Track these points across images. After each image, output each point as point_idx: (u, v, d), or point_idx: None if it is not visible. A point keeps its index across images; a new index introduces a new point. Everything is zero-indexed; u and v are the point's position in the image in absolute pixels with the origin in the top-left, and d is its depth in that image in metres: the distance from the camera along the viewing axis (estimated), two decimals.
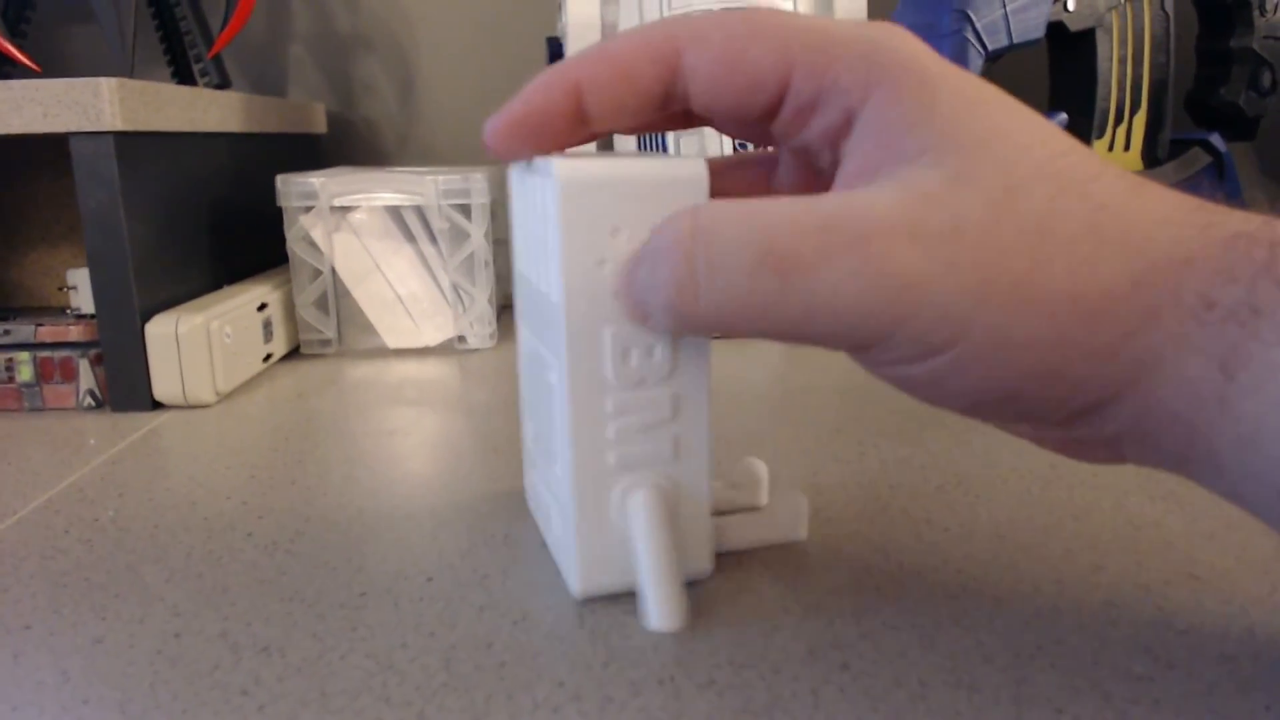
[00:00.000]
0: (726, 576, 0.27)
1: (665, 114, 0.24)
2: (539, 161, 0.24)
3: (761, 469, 0.30)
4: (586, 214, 0.22)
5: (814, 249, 0.19)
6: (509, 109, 0.23)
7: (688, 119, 0.25)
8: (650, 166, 0.23)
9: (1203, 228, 0.19)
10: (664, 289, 0.21)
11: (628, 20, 0.56)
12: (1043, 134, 0.20)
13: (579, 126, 0.23)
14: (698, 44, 0.22)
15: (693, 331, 0.23)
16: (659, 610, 0.24)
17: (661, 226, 0.21)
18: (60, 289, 0.51)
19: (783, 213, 0.20)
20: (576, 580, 0.25)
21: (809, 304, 0.20)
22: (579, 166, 0.22)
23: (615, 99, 0.22)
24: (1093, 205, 0.20)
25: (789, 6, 0.54)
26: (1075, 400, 0.20)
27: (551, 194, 0.22)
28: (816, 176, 0.24)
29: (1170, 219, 0.20)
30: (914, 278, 0.19)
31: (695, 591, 0.26)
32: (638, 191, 0.22)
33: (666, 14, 0.55)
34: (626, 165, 0.23)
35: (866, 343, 0.20)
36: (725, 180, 0.26)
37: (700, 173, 0.23)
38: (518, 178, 0.26)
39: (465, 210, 0.54)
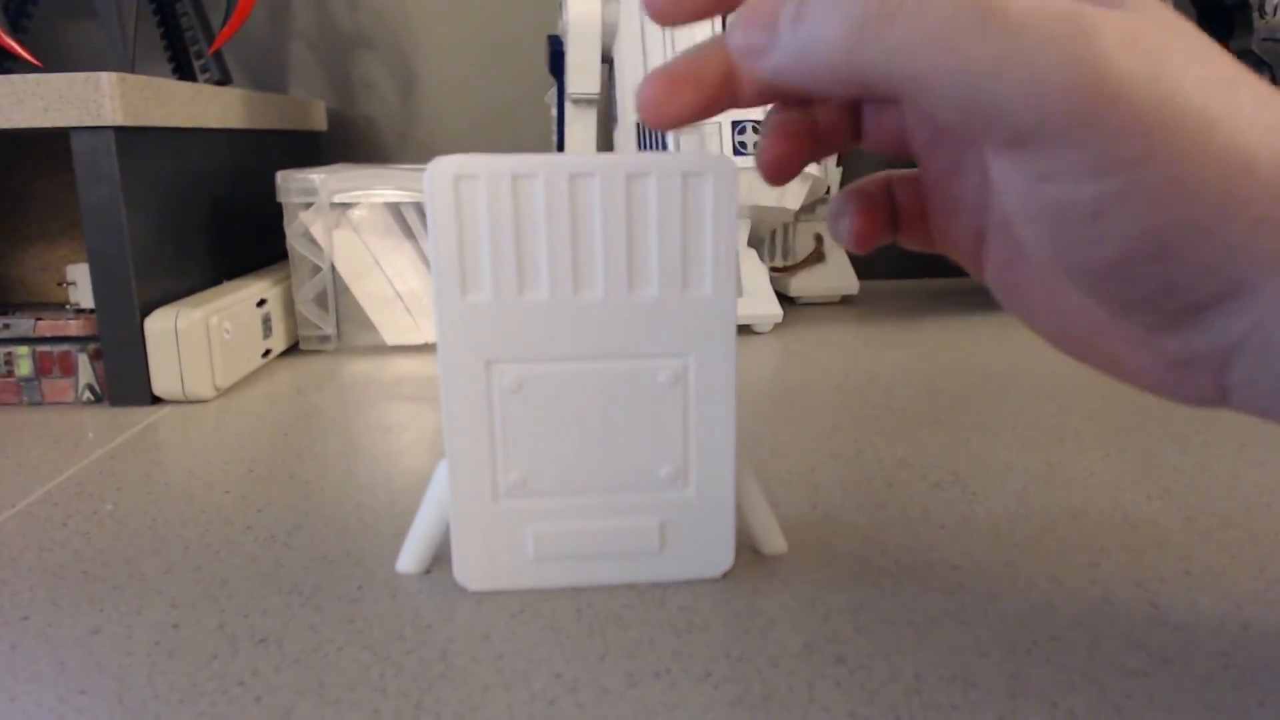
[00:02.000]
0: (722, 572, 0.27)
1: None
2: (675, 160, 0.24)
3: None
4: (449, 204, 0.24)
5: (1028, 5, 0.18)
6: (667, 68, 0.22)
7: None
8: (511, 162, 0.23)
9: None
10: (856, 4, 0.19)
11: (628, 19, 0.57)
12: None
13: (727, 91, 0.22)
14: None
15: (851, 62, 0.20)
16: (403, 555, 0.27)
17: None
18: (60, 284, 0.51)
19: None
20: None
21: (1004, 54, 0.18)
22: (450, 160, 0.23)
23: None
24: (1269, 91, 0.19)
25: None
26: (1222, 274, 0.19)
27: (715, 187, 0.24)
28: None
29: None
30: (1119, 72, 0.18)
31: (692, 587, 0.26)
32: (491, 184, 0.23)
33: None
34: (491, 161, 0.24)
35: (1047, 127, 0.18)
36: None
37: (432, 170, 0.23)
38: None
39: None
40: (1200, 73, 0.18)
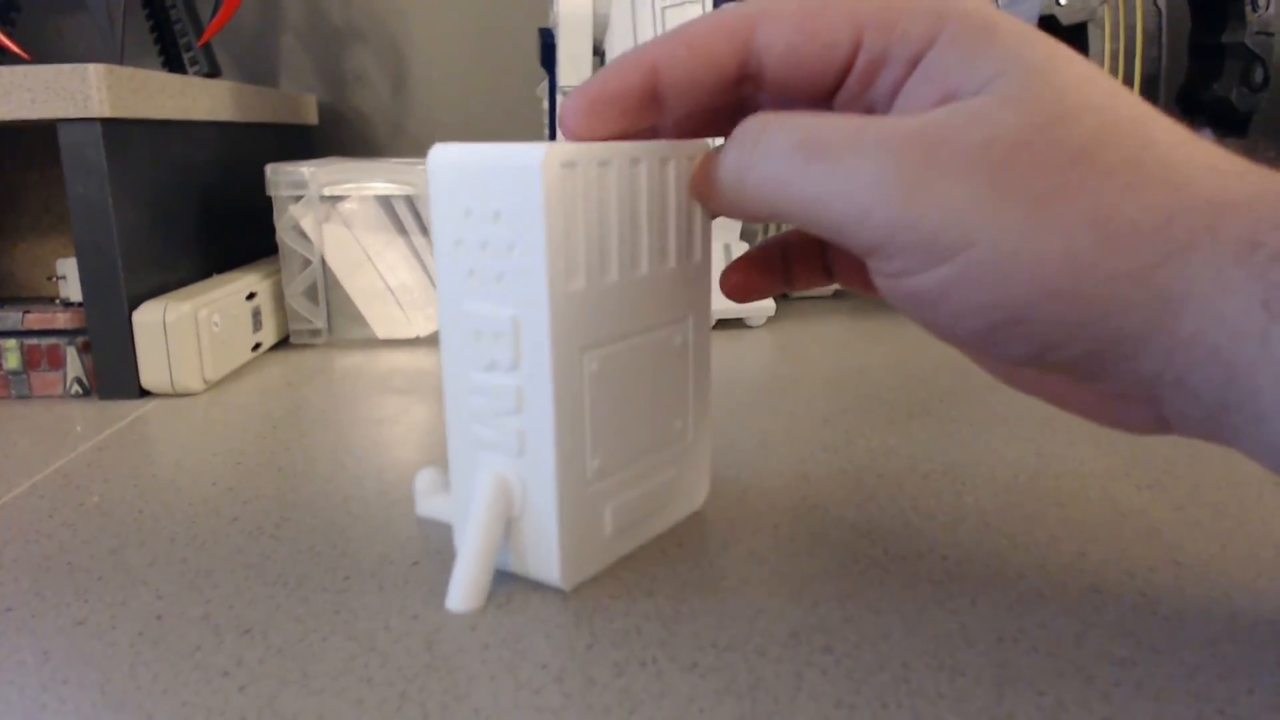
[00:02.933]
0: (712, 561, 0.27)
1: (738, 96, 0.24)
2: None
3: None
4: (446, 194, 0.24)
5: (842, 140, 0.21)
6: (585, 89, 0.24)
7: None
8: (499, 152, 0.23)
9: (1255, 178, 0.20)
10: (729, 161, 0.23)
11: (619, 12, 0.56)
12: (1100, 76, 0.21)
13: (653, 107, 0.24)
14: (771, 19, 0.23)
15: (741, 203, 0.23)
16: (452, 590, 0.24)
17: (746, 120, 0.23)
18: (50, 279, 0.51)
19: (832, 118, 0.21)
20: (455, 536, 0.27)
21: (829, 186, 0.20)
22: (449, 149, 0.24)
23: (690, 76, 0.23)
24: (1140, 141, 0.20)
25: None
26: (1096, 329, 0.20)
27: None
28: None
29: (1218, 167, 0.20)
30: (928, 177, 0.20)
31: (681, 575, 0.26)
32: (482, 176, 0.23)
33: (657, 5, 0.55)
34: (485, 150, 0.23)
35: (876, 238, 0.20)
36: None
37: (533, 162, 0.22)
38: None
39: None
40: (1033, 153, 0.19)
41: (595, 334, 0.24)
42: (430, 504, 0.29)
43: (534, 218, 0.22)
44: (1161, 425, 0.22)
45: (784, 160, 0.21)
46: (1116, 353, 0.20)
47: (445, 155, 0.24)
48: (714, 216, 0.27)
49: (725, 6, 0.24)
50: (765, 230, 0.69)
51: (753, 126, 0.22)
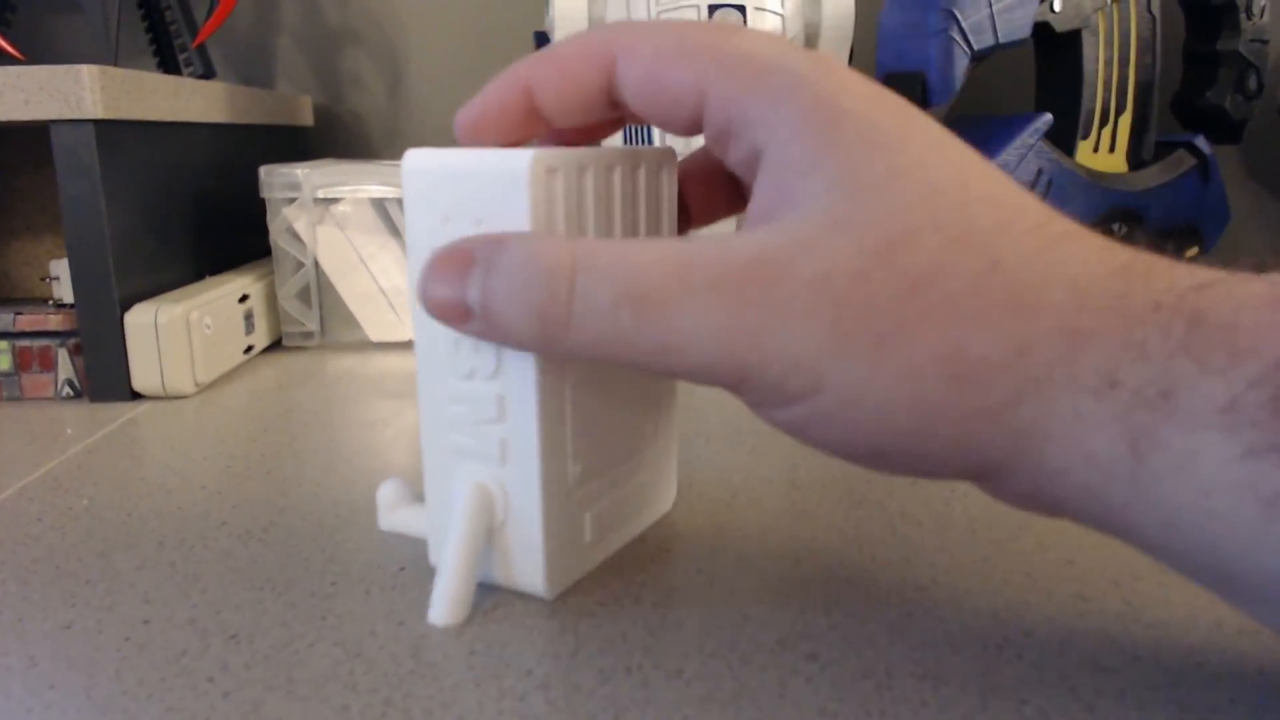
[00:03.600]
0: (699, 567, 0.27)
1: (618, 114, 0.24)
2: None
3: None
4: (423, 200, 0.23)
5: (670, 289, 0.19)
6: (471, 105, 0.24)
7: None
8: (481, 158, 0.23)
9: (1116, 296, 0.18)
10: (532, 315, 0.20)
11: (615, 16, 0.56)
12: (956, 176, 0.19)
13: (535, 121, 0.23)
14: (628, 54, 0.22)
15: (549, 352, 0.22)
16: (435, 603, 0.24)
17: (531, 245, 0.21)
18: (43, 279, 0.51)
19: (652, 253, 0.20)
20: (430, 550, 0.27)
21: (663, 342, 0.19)
22: (425, 154, 0.23)
23: (562, 99, 0.23)
24: (988, 261, 0.18)
25: (776, 4, 0.54)
26: (956, 463, 0.19)
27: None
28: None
29: (1078, 283, 0.18)
30: (767, 323, 0.19)
31: (667, 581, 0.26)
32: (462, 182, 0.23)
33: (654, 11, 0.55)
34: (463, 156, 0.23)
35: (724, 383, 0.20)
36: (694, 187, 0.27)
37: (519, 167, 0.22)
38: None
39: None
40: (871, 287, 0.18)
41: None
42: (396, 518, 0.28)
43: (520, 224, 0.22)
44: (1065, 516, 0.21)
45: (609, 319, 0.20)
46: (987, 478, 0.20)
47: (421, 161, 0.23)
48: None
49: (599, 27, 0.23)
50: None
51: (556, 274, 0.20)
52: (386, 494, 0.28)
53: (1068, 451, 0.18)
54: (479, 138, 0.24)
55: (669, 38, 0.22)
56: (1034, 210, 0.20)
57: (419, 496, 0.29)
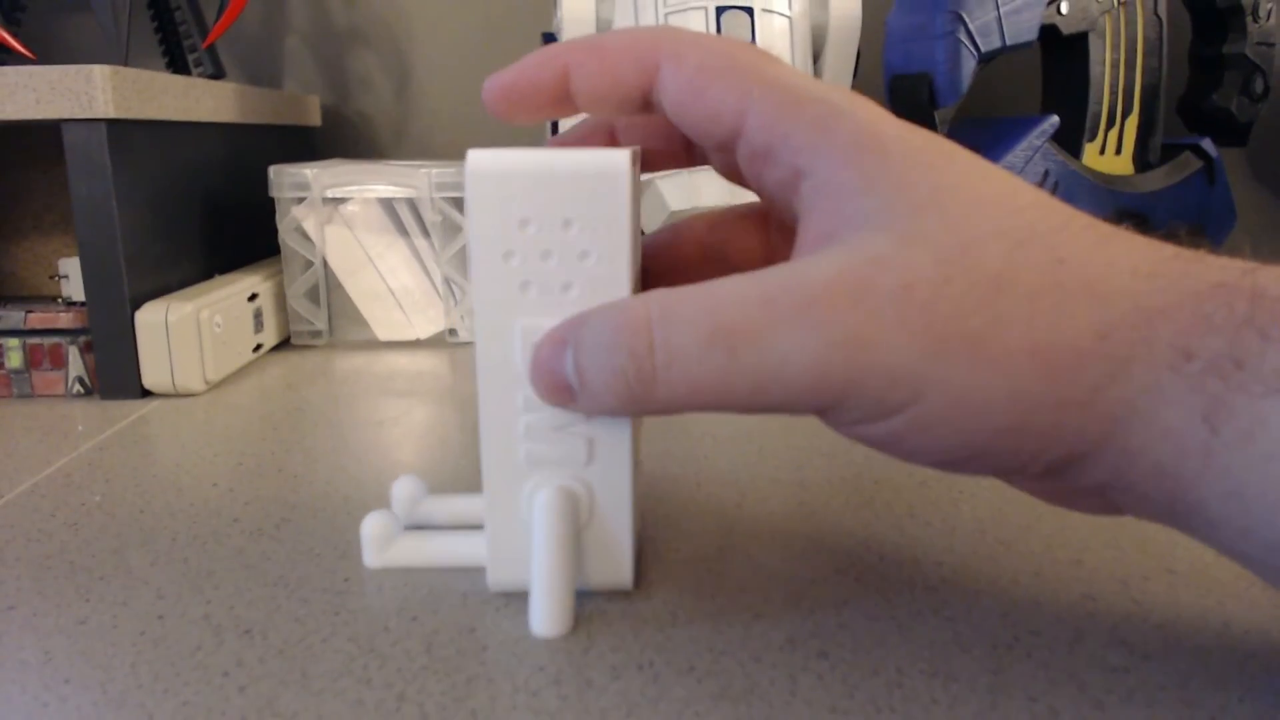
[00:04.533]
0: (709, 567, 0.27)
1: (645, 114, 0.24)
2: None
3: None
4: (495, 204, 0.22)
5: (759, 321, 0.19)
6: (504, 74, 0.24)
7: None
8: (570, 158, 0.22)
9: (1178, 278, 0.19)
10: (618, 377, 0.21)
11: (623, 17, 0.57)
12: (1003, 189, 0.20)
13: (564, 104, 0.24)
14: (674, 61, 0.22)
15: (642, 411, 0.22)
16: (540, 614, 0.23)
17: (608, 313, 0.21)
18: (51, 278, 0.51)
19: (730, 290, 0.20)
20: (489, 573, 0.25)
21: (759, 377, 0.19)
22: (491, 155, 0.22)
23: (597, 90, 0.23)
24: (1054, 258, 0.19)
25: (783, 6, 0.54)
26: (1047, 455, 0.20)
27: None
28: (786, 233, 0.24)
29: (1139, 269, 0.19)
30: (862, 340, 0.19)
31: (678, 580, 0.26)
32: (550, 183, 0.22)
33: (661, 11, 0.55)
34: (542, 156, 0.22)
35: (824, 404, 0.20)
36: (726, 232, 0.27)
37: (621, 166, 0.22)
38: None
39: (458, 203, 0.54)
40: (955, 290, 0.19)
41: None
42: (391, 554, 0.27)
43: (618, 223, 0.22)
44: (1116, 511, 0.22)
45: (701, 361, 0.20)
46: (1071, 467, 0.20)
47: (490, 162, 0.22)
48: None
49: (649, 27, 0.24)
50: None
51: (638, 324, 0.20)
52: (374, 530, 0.27)
53: (1148, 429, 0.19)
54: (505, 107, 0.24)
55: (716, 53, 0.22)
56: (1078, 214, 0.20)
57: (409, 525, 0.28)
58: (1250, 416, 0.18)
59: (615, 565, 0.25)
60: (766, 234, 0.27)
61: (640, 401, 0.21)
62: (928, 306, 0.19)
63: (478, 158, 0.22)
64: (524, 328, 0.23)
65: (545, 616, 0.23)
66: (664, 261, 0.27)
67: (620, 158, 0.22)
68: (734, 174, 0.25)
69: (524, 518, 0.24)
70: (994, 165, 0.21)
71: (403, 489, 0.29)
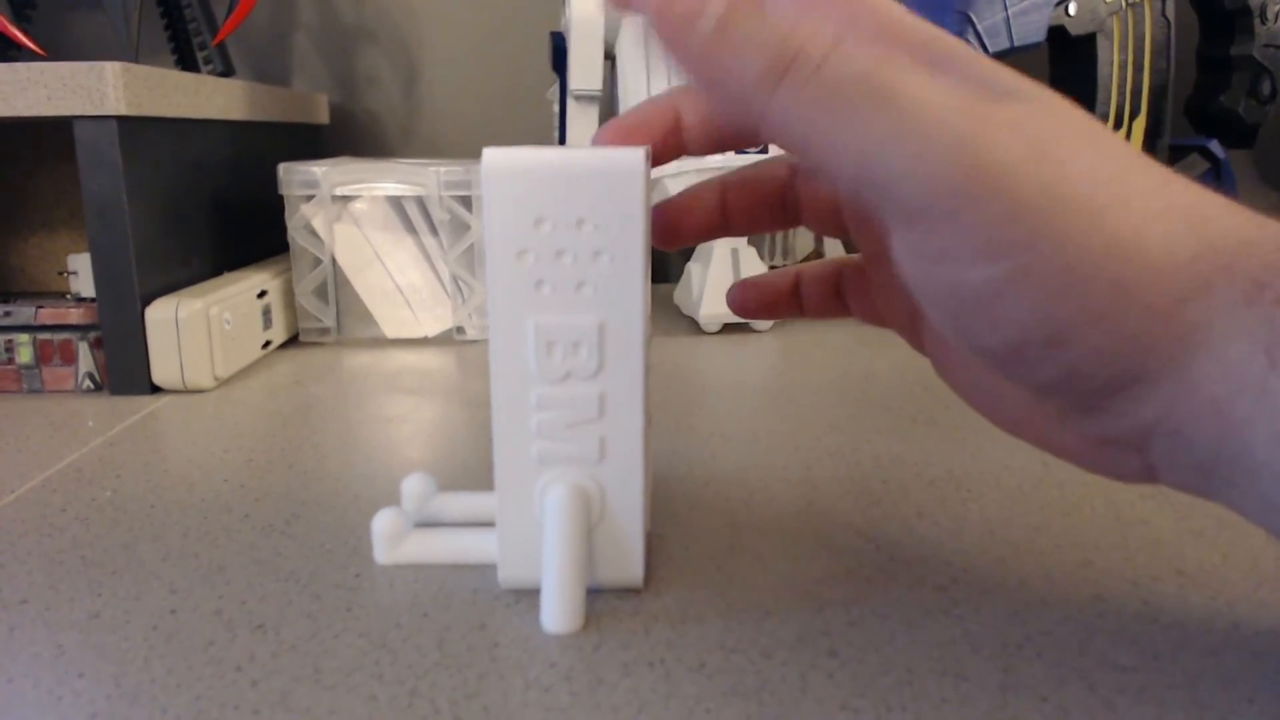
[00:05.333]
0: (719, 564, 0.27)
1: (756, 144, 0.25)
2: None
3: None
4: (510, 202, 0.22)
5: (921, 89, 0.19)
6: (618, 120, 0.25)
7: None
8: (585, 157, 0.22)
9: (1258, 223, 0.20)
10: (750, 63, 0.19)
11: (630, 17, 0.57)
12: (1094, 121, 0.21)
13: (677, 142, 0.25)
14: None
15: (736, 109, 0.20)
16: (551, 611, 0.23)
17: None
18: (61, 274, 0.51)
19: (905, 58, 0.19)
20: (500, 570, 0.25)
21: (906, 127, 0.19)
22: (506, 154, 0.22)
23: (705, 137, 0.24)
24: (1163, 176, 0.20)
25: None
26: (1121, 361, 0.19)
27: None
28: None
29: (1229, 207, 0.20)
30: (1003, 158, 0.18)
31: (688, 580, 0.26)
32: (564, 182, 0.22)
33: None
34: (556, 155, 0.22)
35: (939, 206, 0.19)
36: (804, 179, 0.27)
37: (636, 165, 0.22)
38: None
39: (466, 201, 0.54)
40: (1090, 162, 0.19)
41: (646, 329, 0.24)
42: (403, 551, 0.27)
43: (633, 222, 0.22)
44: (1148, 474, 0.22)
45: (852, 89, 0.19)
46: (1129, 391, 0.20)
47: (506, 162, 0.22)
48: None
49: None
50: (772, 239, 0.70)
51: (820, 11, 0.19)
52: (385, 527, 0.27)
53: (1212, 358, 0.19)
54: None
55: None
56: None
57: (419, 522, 0.28)
58: None
59: (626, 563, 0.25)
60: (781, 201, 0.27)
61: (756, 96, 0.19)
62: (1066, 164, 0.19)
63: (493, 156, 0.22)
64: (537, 325, 0.23)
65: (556, 613, 0.23)
66: (746, 194, 0.27)
67: (635, 157, 0.22)
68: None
69: (536, 515, 0.24)
70: None
71: (412, 486, 0.29)
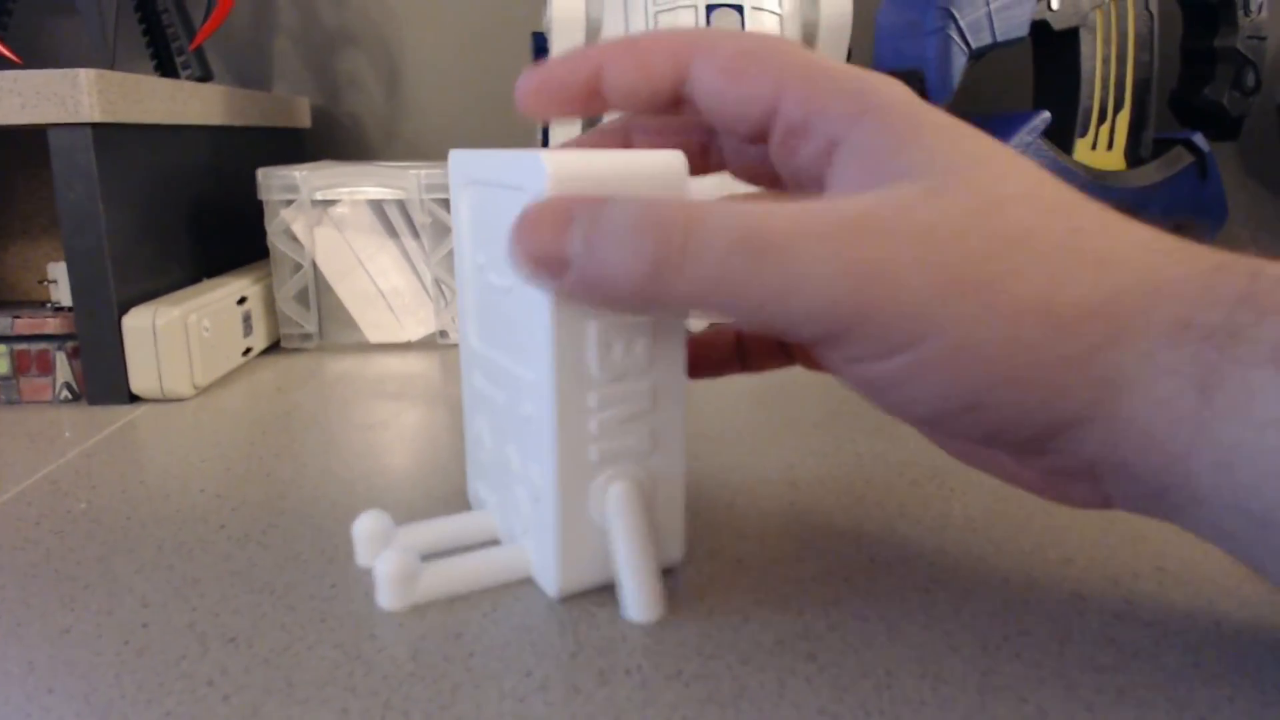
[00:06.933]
0: (698, 569, 0.27)
1: (676, 111, 0.25)
2: (518, 158, 0.24)
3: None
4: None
5: (786, 235, 0.20)
6: (537, 72, 0.25)
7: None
8: (631, 159, 0.23)
9: (1182, 257, 0.20)
10: (640, 260, 0.21)
11: (612, 16, 0.56)
12: (1023, 166, 0.21)
13: (595, 101, 0.25)
14: (708, 52, 0.23)
15: (651, 302, 0.22)
16: (638, 601, 0.24)
17: (636, 202, 0.21)
18: (40, 283, 0.50)
19: (761, 207, 0.21)
20: (555, 578, 0.25)
21: (780, 285, 0.20)
22: (566, 159, 0.22)
23: (629, 85, 0.24)
24: (1071, 226, 0.20)
25: (774, 3, 0.54)
26: (1043, 414, 0.20)
27: (540, 186, 0.22)
28: None
29: (1150, 246, 0.20)
30: (878, 272, 0.20)
31: (667, 583, 0.26)
32: (622, 184, 0.22)
33: (651, 9, 0.55)
34: (610, 158, 0.23)
35: (832, 331, 0.20)
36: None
37: (680, 165, 0.23)
38: (467, 184, 0.28)
39: (447, 204, 0.54)
40: (979, 238, 0.20)
41: None
42: (425, 587, 0.25)
43: None
44: (1105, 502, 0.22)
45: (723, 264, 0.20)
46: (1063, 436, 0.20)
47: (569, 167, 0.22)
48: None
49: (678, 28, 0.25)
50: None
51: (671, 223, 0.21)
52: (394, 569, 0.25)
53: (1141, 397, 0.19)
54: (537, 104, 0.25)
55: (750, 42, 0.23)
56: (1089, 199, 0.21)
57: (431, 555, 0.26)
58: (1243, 386, 0.18)
59: (672, 543, 0.26)
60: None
61: (656, 287, 0.21)
62: (945, 249, 0.19)
63: (554, 160, 0.22)
64: (598, 328, 0.23)
65: (644, 603, 0.24)
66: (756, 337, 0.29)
67: (677, 158, 0.23)
68: (751, 172, 0.27)
69: (593, 515, 0.25)
70: (1007, 148, 0.22)
71: (367, 526, 0.27)
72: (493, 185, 0.26)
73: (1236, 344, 0.18)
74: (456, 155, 0.28)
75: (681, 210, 0.21)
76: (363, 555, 0.27)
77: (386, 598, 0.25)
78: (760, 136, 0.24)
